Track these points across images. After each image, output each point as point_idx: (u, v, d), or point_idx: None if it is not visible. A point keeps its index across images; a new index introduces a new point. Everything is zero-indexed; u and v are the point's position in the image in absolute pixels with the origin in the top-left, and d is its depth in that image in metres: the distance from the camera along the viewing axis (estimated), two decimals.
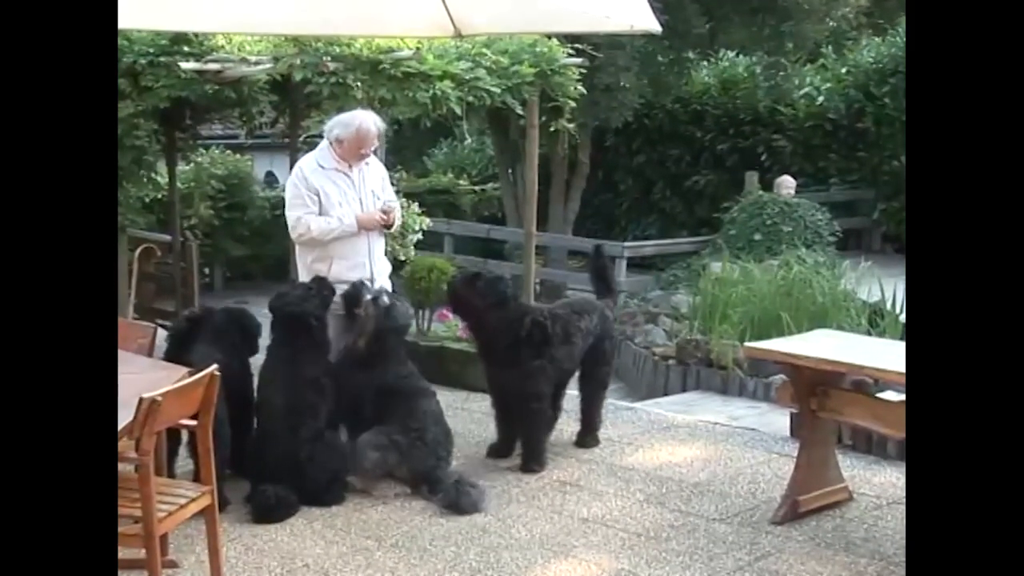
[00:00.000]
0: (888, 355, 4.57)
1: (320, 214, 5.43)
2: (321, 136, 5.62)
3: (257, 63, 6.36)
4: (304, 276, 5.57)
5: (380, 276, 5.63)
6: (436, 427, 5.26)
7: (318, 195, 5.42)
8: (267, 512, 4.85)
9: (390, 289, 5.67)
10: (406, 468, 5.13)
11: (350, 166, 5.49)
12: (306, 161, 5.57)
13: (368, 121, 5.44)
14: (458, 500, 4.97)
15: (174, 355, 4.90)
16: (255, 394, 5.25)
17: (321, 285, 5.36)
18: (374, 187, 5.61)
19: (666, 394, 7.81)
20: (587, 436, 5.97)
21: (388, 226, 5.64)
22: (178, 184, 8.96)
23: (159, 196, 9.28)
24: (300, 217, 5.45)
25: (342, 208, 5.43)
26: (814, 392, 4.80)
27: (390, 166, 9.31)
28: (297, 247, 5.65)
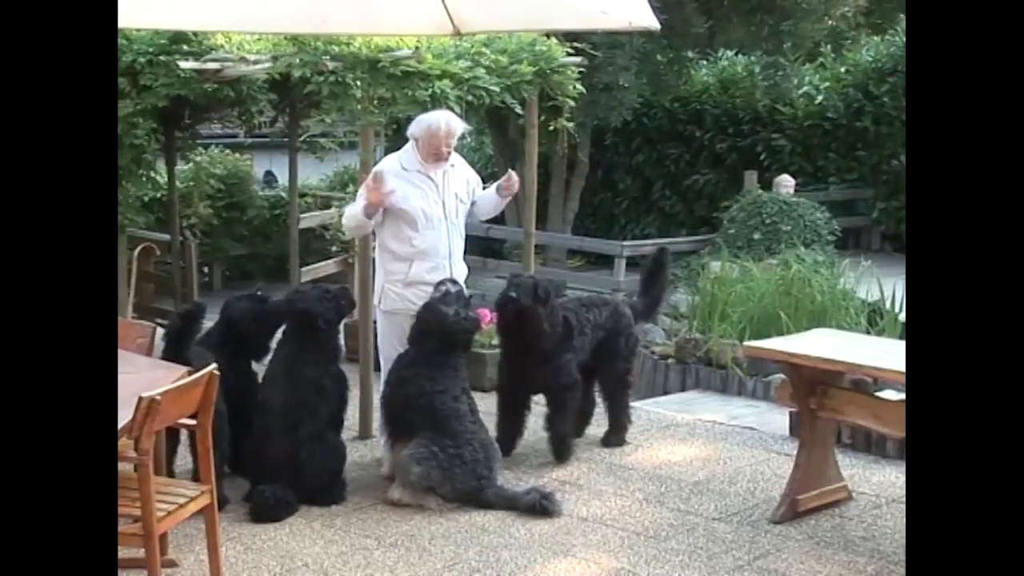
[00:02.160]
0: (887, 354, 4.58)
1: (402, 219, 5.34)
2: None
3: (256, 62, 6.35)
4: (380, 277, 5.52)
5: (459, 279, 5.54)
6: (470, 445, 5.07)
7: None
8: (266, 512, 4.85)
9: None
10: (449, 488, 5.00)
11: (433, 167, 5.42)
12: (388, 162, 5.50)
13: (439, 119, 5.38)
14: (540, 504, 4.96)
15: (171, 354, 4.85)
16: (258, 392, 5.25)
17: (342, 294, 5.37)
18: (458, 190, 5.54)
19: (665, 393, 7.81)
20: (612, 435, 5.99)
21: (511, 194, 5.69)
22: (177, 183, 8.95)
23: (158, 195, 9.29)
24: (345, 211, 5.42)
25: (425, 213, 5.35)
26: (813, 391, 4.81)
27: None
28: (376, 249, 5.60)
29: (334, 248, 9.04)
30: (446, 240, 5.47)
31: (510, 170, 5.86)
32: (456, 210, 5.52)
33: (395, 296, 5.43)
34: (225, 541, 4.44)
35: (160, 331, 5.11)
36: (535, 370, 5.63)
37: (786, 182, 11.96)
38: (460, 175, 5.61)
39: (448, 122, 5.39)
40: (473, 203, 5.68)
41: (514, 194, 5.74)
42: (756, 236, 11.12)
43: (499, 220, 14.42)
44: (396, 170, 5.39)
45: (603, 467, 5.65)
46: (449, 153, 5.45)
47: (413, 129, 5.40)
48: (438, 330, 5.15)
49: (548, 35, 6.83)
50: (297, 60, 5.92)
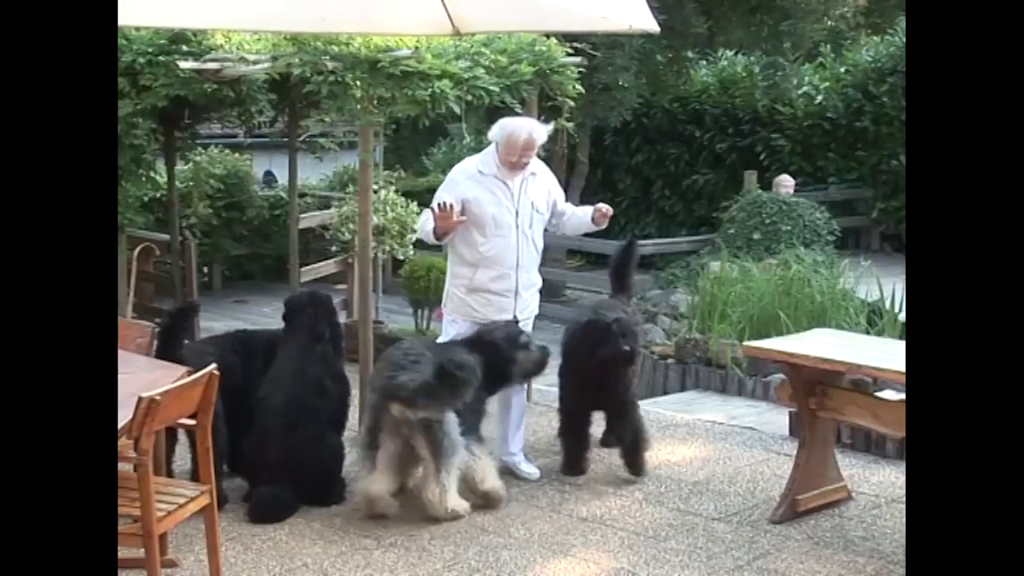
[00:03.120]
0: (887, 354, 4.58)
1: (473, 224, 5.23)
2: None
3: (256, 62, 6.35)
4: (448, 280, 5.48)
5: (524, 291, 5.38)
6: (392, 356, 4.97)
7: (462, 203, 5.20)
8: (265, 512, 4.85)
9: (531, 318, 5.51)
10: (376, 385, 4.93)
11: (511, 174, 5.27)
12: (467, 164, 5.44)
13: (522, 129, 5.18)
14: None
15: (161, 351, 4.83)
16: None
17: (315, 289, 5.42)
18: (536, 199, 5.36)
19: (665, 393, 7.81)
20: (611, 436, 5.96)
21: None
22: (177, 183, 8.95)
23: (158, 195, 9.29)
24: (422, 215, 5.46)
25: (495, 219, 5.22)
26: (813, 391, 4.81)
27: (389, 165, 9.31)
28: (448, 253, 5.59)
29: (334, 248, 9.04)
30: (515, 249, 5.29)
31: (604, 205, 5.70)
32: (531, 219, 5.35)
33: (458, 300, 5.37)
34: (225, 541, 4.44)
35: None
36: (604, 393, 5.55)
37: (786, 182, 11.96)
38: (541, 184, 5.45)
39: (531, 132, 5.20)
40: (562, 214, 5.57)
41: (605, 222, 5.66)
42: (756, 236, 11.12)
43: None
44: (472, 173, 5.32)
45: (603, 467, 5.64)
46: (527, 164, 5.29)
47: (495, 132, 5.28)
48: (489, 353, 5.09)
49: (548, 35, 6.83)
50: (297, 60, 5.92)
